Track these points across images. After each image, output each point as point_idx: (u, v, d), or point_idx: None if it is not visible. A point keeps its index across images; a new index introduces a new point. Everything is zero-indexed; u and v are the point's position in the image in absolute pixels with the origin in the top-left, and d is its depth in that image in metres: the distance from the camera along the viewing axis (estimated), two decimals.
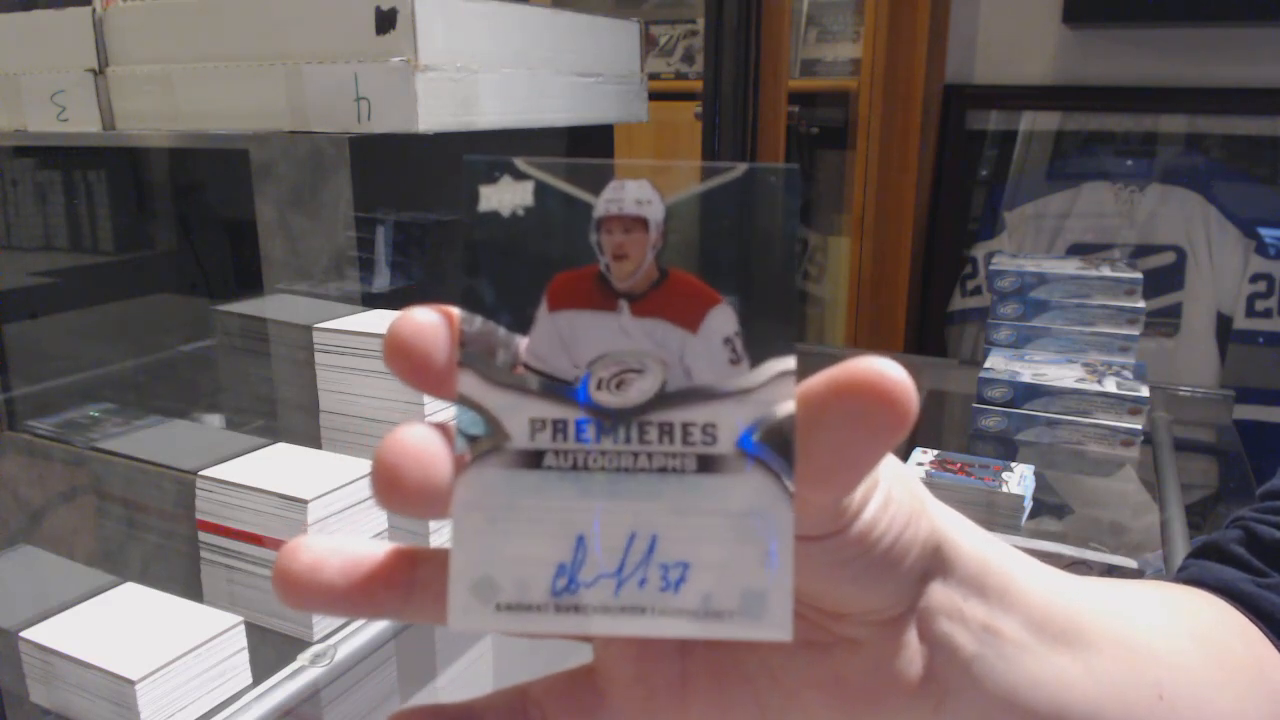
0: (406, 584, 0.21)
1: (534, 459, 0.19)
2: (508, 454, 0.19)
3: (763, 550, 0.19)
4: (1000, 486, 0.94)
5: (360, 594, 0.21)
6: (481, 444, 0.19)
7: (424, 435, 0.19)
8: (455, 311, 0.20)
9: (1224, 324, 1.79)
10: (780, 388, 0.19)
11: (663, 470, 0.19)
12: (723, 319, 0.20)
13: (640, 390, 0.20)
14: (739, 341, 0.20)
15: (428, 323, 0.20)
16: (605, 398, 0.20)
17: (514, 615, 0.19)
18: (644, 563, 0.19)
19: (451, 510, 0.19)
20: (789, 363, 0.19)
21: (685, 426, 0.19)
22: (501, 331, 0.20)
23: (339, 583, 0.20)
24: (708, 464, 0.19)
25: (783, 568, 0.19)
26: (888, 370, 0.19)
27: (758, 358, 0.19)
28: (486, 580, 0.19)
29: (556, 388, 0.20)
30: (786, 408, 0.19)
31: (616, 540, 0.19)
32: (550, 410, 0.19)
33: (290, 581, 0.20)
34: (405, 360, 0.20)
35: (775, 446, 0.19)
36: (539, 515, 0.19)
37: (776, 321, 0.20)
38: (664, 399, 0.20)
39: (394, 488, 0.19)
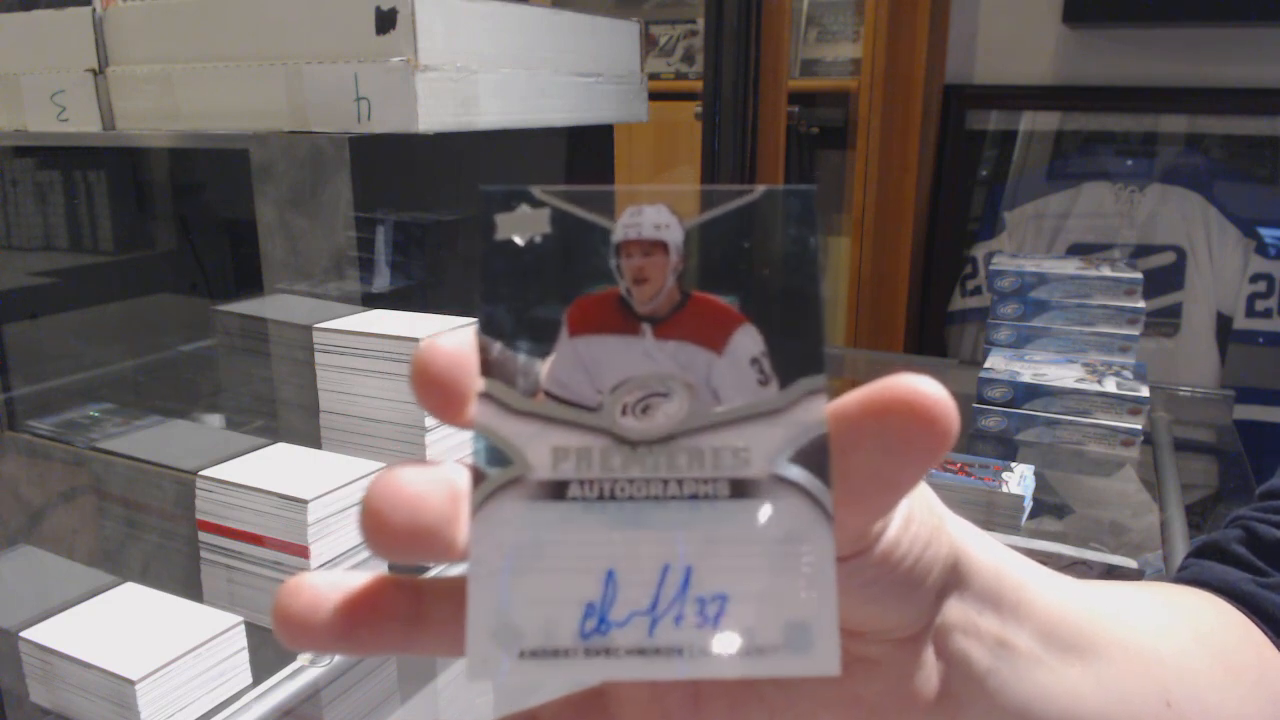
0: (410, 619, 0.20)
1: (557, 490, 0.18)
2: (529, 485, 0.18)
3: (804, 578, 0.18)
4: (1000, 486, 0.94)
5: (364, 632, 0.20)
6: (501, 476, 0.18)
7: (413, 477, 0.18)
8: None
9: (1224, 324, 1.79)
10: (812, 407, 0.19)
11: (694, 497, 0.18)
12: (749, 339, 0.19)
13: (667, 415, 0.19)
14: (766, 362, 0.19)
15: (458, 352, 0.19)
16: (631, 424, 0.19)
17: (540, 662, 0.17)
18: (679, 597, 0.18)
19: (469, 548, 0.18)
20: (819, 381, 0.19)
21: (715, 451, 0.18)
22: (521, 359, 0.19)
23: (339, 622, 0.20)
24: (741, 489, 0.18)
25: (826, 596, 0.18)
26: (926, 388, 0.18)
27: (787, 378, 0.19)
28: (508, 624, 0.18)
29: (579, 415, 0.19)
30: (820, 428, 0.18)
31: (649, 574, 0.18)
32: (573, 438, 0.19)
33: (290, 621, 0.19)
34: (436, 391, 0.19)
35: (811, 468, 0.18)
36: (564, 550, 0.18)
37: (804, 340, 0.19)
38: (692, 423, 0.19)
39: (380, 532, 0.18)
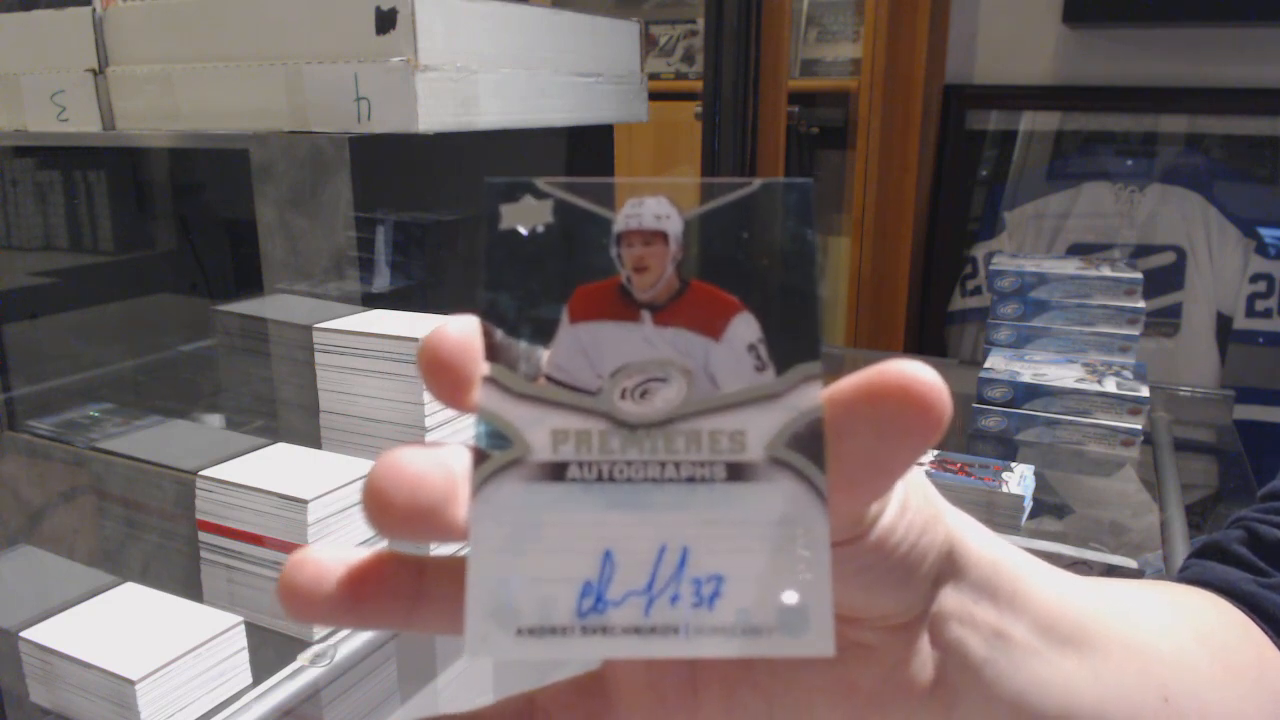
0: (412, 595, 0.21)
1: (557, 471, 0.19)
2: (529, 466, 0.19)
3: (799, 560, 0.18)
4: (1000, 486, 0.94)
5: (367, 606, 0.20)
6: (502, 457, 0.19)
7: (415, 457, 0.19)
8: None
9: (1224, 324, 1.79)
10: (808, 393, 0.19)
11: (691, 480, 0.19)
12: (746, 326, 0.19)
13: (665, 399, 0.19)
14: (763, 348, 0.19)
15: (465, 338, 0.20)
16: (630, 407, 0.19)
17: (537, 640, 0.18)
18: (675, 577, 0.18)
19: (469, 527, 0.18)
20: (814, 368, 0.19)
21: (713, 434, 0.19)
22: (523, 344, 0.19)
23: (343, 595, 0.20)
24: (737, 472, 0.19)
25: (820, 578, 0.18)
26: (919, 373, 0.18)
27: (783, 364, 0.19)
28: (507, 602, 0.18)
29: (579, 398, 0.19)
30: (815, 413, 0.19)
31: (645, 554, 0.18)
32: (573, 421, 0.19)
33: (295, 594, 0.20)
34: (444, 376, 0.19)
35: (806, 452, 0.19)
36: (563, 530, 0.18)
37: (800, 328, 0.19)
38: (689, 407, 0.19)
39: (382, 511, 0.18)
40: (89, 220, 1.15)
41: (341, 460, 0.79)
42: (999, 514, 0.94)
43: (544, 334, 0.20)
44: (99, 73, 0.91)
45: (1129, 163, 1.86)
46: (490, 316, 0.20)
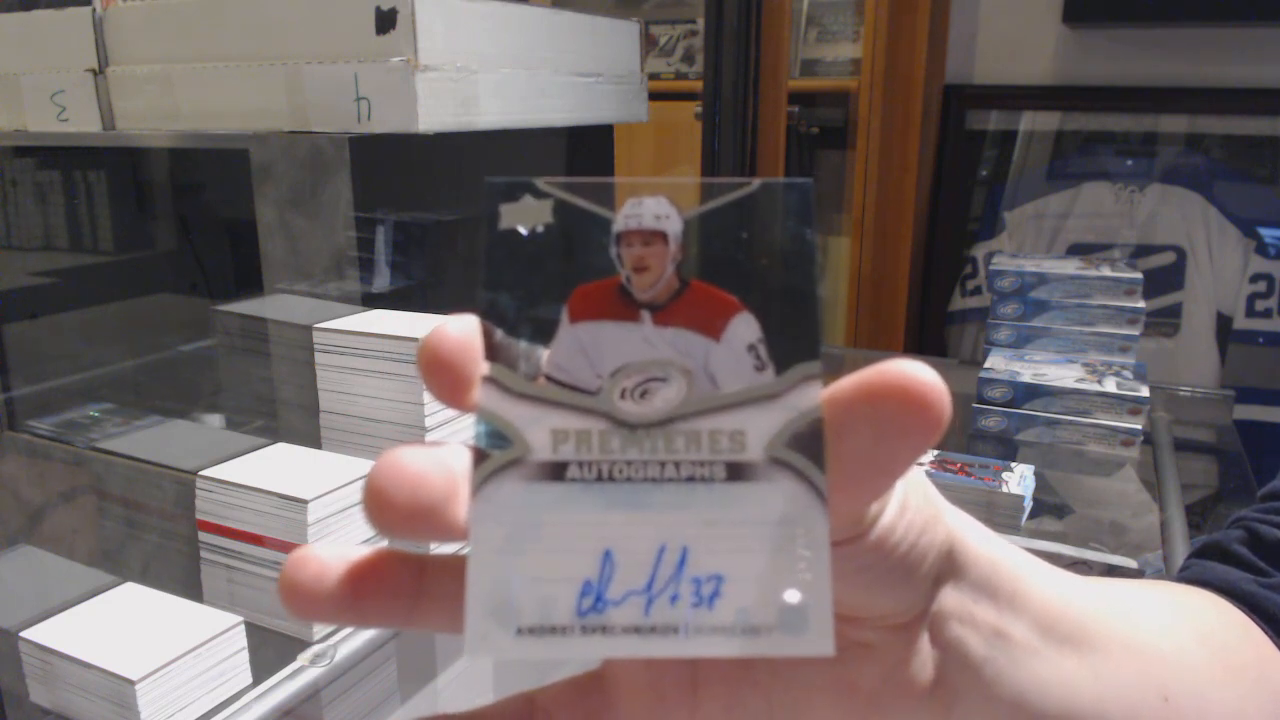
0: (413, 593, 0.21)
1: (557, 471, 0.19)
2: (529, 466, 0.19)
3: (799, 559, 0.18)
4: (1000, 486, 0.94)
5: (368, 604, 0.20)
6: (502, 457, 0.19)
7: (415, 457, 0.19)
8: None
9: (1224, 324, 1.79)
10: (807, 392, 0.19)
11: (691, 479, 0.19)
12: (746, 326, 0.20)
13: (665, 399, 0.19)
14: (763, 348, 0.19)
15: (465, 337, 0.20)
16: (630, 407, 0.19)
17: (537, 639, 0.18)
18: (675, 577, 0.18)
19: (469, 527, 0.18)
20: (814, 368, 0.19)
21: (712, 434, 0.19)
22: (523, 344, 0.20)
23: (344, 592, 0.20)
24: (737, 472, 0.19)
25: (820, 577, 0.18)
26: (918, 373, 0.18)
27: (783, 364, 0.19)
28: (507, 602, 0.18)
29: (579, 398, 0.19)
30: (815, 412, 0.19)
31: (645, 554, 0.18)
32: (573, 421, 0.19)
33: (296, 592, 0.20)
34: (444, 375, 0.19)
35: (806, 452, 0.19)
36: (563, 529, 0.18)
37: (800, 328, 0.19)
38: (689, 407, 0.19)
39: (383, 510, 0.18)
40: (89, 220, 1.15)
41: (341, 460, 0.79)
42: (999, 514, 0.94)
43: (544, 334, 0.20)
44: (99, 73, 0.91)
45: (1129, 163, 1.86)
46: (490, 316, 0.20)
